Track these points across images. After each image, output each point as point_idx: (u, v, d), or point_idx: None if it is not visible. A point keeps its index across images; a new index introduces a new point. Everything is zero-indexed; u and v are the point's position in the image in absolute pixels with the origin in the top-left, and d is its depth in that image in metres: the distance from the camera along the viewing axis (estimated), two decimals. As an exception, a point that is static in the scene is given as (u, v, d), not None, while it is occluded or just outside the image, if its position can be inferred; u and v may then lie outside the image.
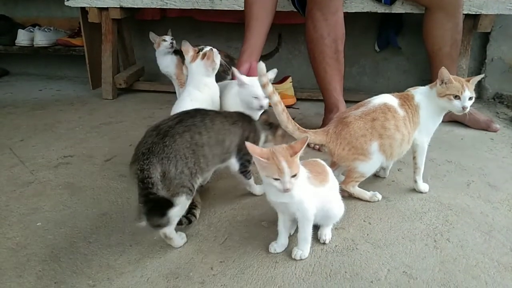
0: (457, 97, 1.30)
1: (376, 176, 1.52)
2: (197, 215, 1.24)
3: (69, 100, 2.46)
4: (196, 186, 1.12)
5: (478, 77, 1.35)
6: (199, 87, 1.43)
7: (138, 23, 2.71)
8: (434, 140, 1.82)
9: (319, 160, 1.15)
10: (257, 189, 1.38)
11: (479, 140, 1.85)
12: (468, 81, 1.33)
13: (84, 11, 2.41)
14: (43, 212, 1.31)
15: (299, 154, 0.99)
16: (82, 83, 2.77)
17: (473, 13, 2.03)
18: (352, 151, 1.27)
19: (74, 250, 1.13)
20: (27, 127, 2.03)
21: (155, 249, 1.13)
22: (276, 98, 1.19)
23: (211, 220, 1.26)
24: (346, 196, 1.35)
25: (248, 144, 0.96)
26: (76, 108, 2.31)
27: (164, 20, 2.68)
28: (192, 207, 1.25)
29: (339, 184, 1.32)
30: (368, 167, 1.31)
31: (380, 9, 2.06)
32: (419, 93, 1.37)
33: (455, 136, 1.90)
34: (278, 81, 2.36)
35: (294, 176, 0.97)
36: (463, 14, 2.03)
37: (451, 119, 2.03)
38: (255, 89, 1.40)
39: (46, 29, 2.70)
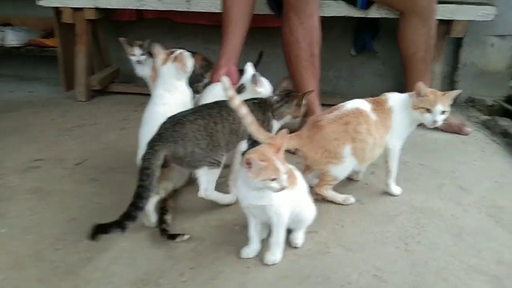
0: (429, 110, 1.31)
1: (349, 179, 1.52)
2: (169, 221, 1.21)
3: (41, 102, 2.39)
4: (221, 159, 1.26)
5: (455, 92, 1.36)
6: (170, 90, 1.41)
7: (114, 24, 2.67)
8: (407, 143, 1.83)
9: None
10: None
11: (451, 143, 1.89)
12: (444, 95, 1.34)
13: (58, 11, 2.36)
14: (9, 218, 1.27)
15: (283, 149, 0.99)
16: (56, 85, 2.69)
17: (446, 18, 2.06)
18: (325, 155, 1.28)
19: (40, 258, 1.10)
20: (-4, 129, 1.97)
21: (124, 255, 1.11)
22: (244, 110, 1.19)
23: (183, 225, 1.24)
24: (320, 199, 1.36)
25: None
26: (49, 110, 2.25)
27: (141, 21, 2.64)
28: (163, 212, 1.23)
29: (313, 187, 1.33)
30: (341, 171, 1.31)
31: (356, 13, 2.08)
32: (394, 98, 1.38)
33: (428, 139, 1.93)
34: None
35: (285, 173, 0.97)
36: (437, 19, 2.07)
37: (425, 123, 2.06)
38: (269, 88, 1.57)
39: (18, 29, 2.63)
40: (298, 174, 1.13)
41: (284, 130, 1.04)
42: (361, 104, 1.33)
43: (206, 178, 1.24)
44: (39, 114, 2.20)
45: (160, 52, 1.47)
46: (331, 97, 2.45)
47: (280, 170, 0.95)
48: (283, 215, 1.04)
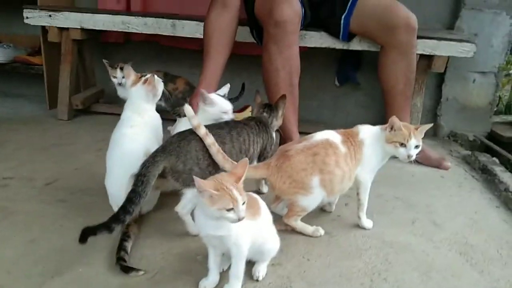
0: (403, 144, 1.31)
1: (322, 210, 1.50)
2: (128, 249, 1.17)
3: (23, 119, 2.37)
4: None
5: (427, 126, 1.37)
6: (139, 112, 1.40)
7: (101, 45, 2.68)
8: (384, 175, 1.83)
9: (251, 193, 1.11)
10: (265, 188, 1.56)
11: (429, 178, 1.87)
12: (417, 129, 1.35)
13: (44, 30, 2.37)
14: (-34, 238, 1.23)
15: (243, 179, 0.97)
16: (40, 103, 2.68)
17: (427, 53, 2.09)
18: (293, 185, 1.26)
19: (-11, 281, 1.06)
20: (-29, 145, 1.94)
21: (78, 282, 1.07)
22: (210, 140, 1.20)
23: (144, 251, 1.21)
24: (289, 230, 1.33)
25: (196, 180, 0.93)
26: (29, 128, 2.23)
27: (128, 43, 2.66)
28: (124, 238, 1.19)
29: (282, 218, 1.31)
30: (309, 202, 1.29)
31: (339, 45, 2.10)
32: (366, 131, 1.38)
33: (406, 172, 1.92)
34: (238, 109, 2.35)
35: (243, 203, 0.94)
36: (418, 54, 2.10)
37: (405, 156, 2.05)
38: (224, 105, 1.50)
39: (5, 46, 2.63)
40: (262, 204, 1.11)
41: (245, 159, 1.02)
42: (331, 135, 1.33)
43: (191, 198, 1.22)
44: (18, 131, 2.17)
45: (131, 73, 1.47)
46: (314, 125, 2.46)
47: (237, 200, 0.92)
48: (242, 246, 1.01)
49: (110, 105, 2.56)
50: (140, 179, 1.16)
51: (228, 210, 0.92)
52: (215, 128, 1.32)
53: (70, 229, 1.30)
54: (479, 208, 1.61)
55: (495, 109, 2.63)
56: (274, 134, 1.53)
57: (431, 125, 1.39)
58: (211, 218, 0.96)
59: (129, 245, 1.18)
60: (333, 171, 1.26)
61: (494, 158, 2.05)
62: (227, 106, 1.52)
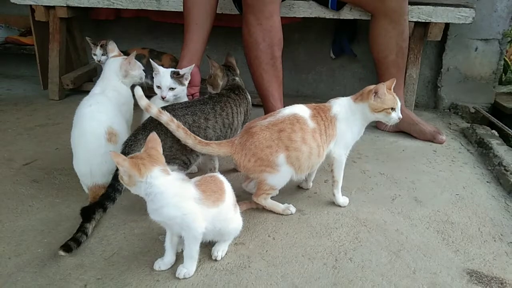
0: (393, 109, 1.27)
1: (298, 187, 1.45)
2: (89, 231, 1.15)
3: (14, 100, 2.38)
4: (193, 161, 1.29)
5: (392, 81, 1.33)
6: (106, 86, 1.38)
7: (92, 23, 2.65)
8: (372, 150, 1.78)
9: (218, 175, 1.08)
10: None
11: (420, 152, 1.79)
12: (390, 89, 1.28)
13: (33, 9, 2.34)
14: None
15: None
16: (36, 83, 2.68)
17: (423, 20, 1.97)
18: (258, 163, 1.21)
19: None
20: (-40, 126, 1.96)
21: (34, 262, 1.06)
22: (166, 117, 1.16)
23: (106, 232, 1.19)
24: (260, 208, 1.29)
25: (113, 154, 0.90)
26: (18, 109, 2.23)
27: (119, 20, 2.61)
28: (86, 221, 1.17)
29: (252, 197, 1.27)
30: (277, 179, 1.24)
31: (328, 14, 2.00)
32: (338, 104, 1.31)
33: (397, 147, 1.84)
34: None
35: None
36: (413, 21, 1.99)
37: (398, 130, 1.97)
38: (161, 79, 1.44)
39: (-3, 26, 2.63)
40: (227, 187, 1.06)
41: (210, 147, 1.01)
42: (300, 110, 1.26)
43: None
44: (7, 112, 2.17)
45: (114, 49, 1.45)
46: (311, 100, 2.38)
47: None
48: (192, 230, 0.97)
49: (102, 84, 2.53)
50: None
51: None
52: (199, 104, 1.32)
53: (38, 210, 1.30)
54: (468, 184, 1.53)
55: (503, 79, 2.50)
56: (248, 95, 1.52)
57: (394, 79, 1.34)
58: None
59: (90, 226, 1.16)
60: (299, 147, 1.20)
61: (494, 131, 1.95)
62: (163, 81, 1.44)
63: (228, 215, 1.06)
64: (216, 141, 1.24)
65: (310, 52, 2.48)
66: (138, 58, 2.15)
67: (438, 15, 1.95)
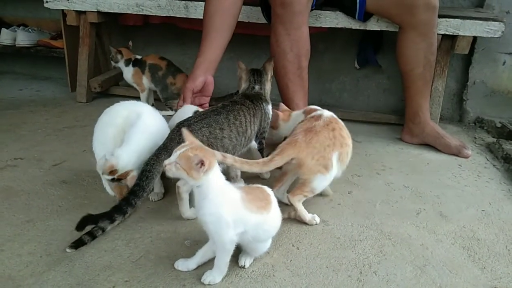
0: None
1: (321, 195, 1.45)
2: (106, 228, 1.19)
3: (43, 101, 2.44)
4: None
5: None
6: None
7: (120, 28, 2.71)
8: (397, 163, 1.78)
9: (265, 187, 1.08)
10: (266, 174, 1.57)
11: (445, 166, 1.77)
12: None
13: (64, 13, 2.41)
14: (-32, 216, 1.29)
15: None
16: (64, 85, 2.76)
17: (450, 33, 1.95)
18: (320, 162, 1.24)
19: (-18, 258, 1.10)
20: (-8, 126, 2.02)
21: (64, 262, 1.09)
22: (230, 160, 1.15)
23: (133, 235, 1.21)
24: (285, 217, 1.30)
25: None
26: (47, 110, 2.30)
27: (147, 26, 2.66)
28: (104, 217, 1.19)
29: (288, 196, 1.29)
30: (322, 182, 1.28)
31: (355, 25, 2.01)
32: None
33: (422, 160, 1.82)
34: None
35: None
36: (441, 34, 1.97)
37: (423, 142, 1.96)
38: (183, 114, 1.42)
39: (30, 30, 2.71)
40: (274, 202, 1.06)
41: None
42: (328, 112, 1.37)
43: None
44: (37, 113, 2.24)
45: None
46: (334, 110, 2.37)
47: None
48: (223, 236, 0.97)
49: (128, 88, 2.58)
50: (144, 174, 1.20)
51: None
52: (213, 114, 1.31)
53: (67, 210, 1.33)
54: (495, 200, 1.51)
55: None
56: (269, 108, 1.49)
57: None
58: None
59: (108, 225, 1.19)
60: (348, 143, 1.31)
61: (521, 147, 1.91)
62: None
63: (269, 227, 1.05)
64: (277, 152, 1.24)
65: (335, 62, 2.48)
66: (155, 69, 2.22)
67: (466, 28, 1.93)
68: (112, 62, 2.29)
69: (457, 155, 1.87)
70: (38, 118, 2.16)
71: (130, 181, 1.24)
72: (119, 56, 2.26)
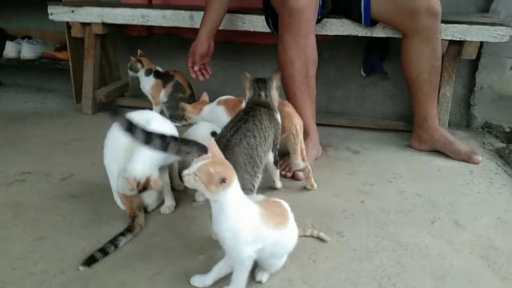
0: None
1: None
2: (120, 244, 1.18)
3: (49, 114, 2.44)
4: (256, 185, 1.23)
5: None
6: None
7: (125, 39, 2.70)
8: (407, 170, 1.76)
9: (282, 201, 1.06)
10: (279, 183, 1.55)
11: (456, 173, 1.76)
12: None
13: (69, 25, 2.41)
14: (-22, 233, 1.27)
15: None
16: (69, 97, 2.74)
17: (457, 39, 1.95)
18: None
19: (-5, 277, 1.08)
20: (-3, 140, 2.01)
21: (77, 280, 1.07)
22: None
23: (146, 250, 1.19)
24: (308, 234, 1.27)
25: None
26: (53, 122, 2.29)
27: (151, 36, 2.66)
28: (123, 233, 1.19)
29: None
30: None
31: (361, 32, 2.00)
32: None
33: (432, 167, 1.81)
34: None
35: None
36: (447, 40, 1.97)
37: (433, 149, 1.95)
38: (198, 134, 1.46)
39: (34, 42, 2.71)
40: (291, 218, 1.04)
41: None
42: None
43: None
44: (42, 125, 2.23)
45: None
46: (340, 117, 2.37)
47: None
48: (241, 253, 0.95)
49: (133, 99, 2.58)
50: None
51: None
52: (242, 123, 1.25)
53: (78, 226, 1.32)
54: (509, 207, 1.49)
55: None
56: (278, 117, 1.42)
57: None
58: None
59: (123, 239, 1.19)
60: None
61: (532, 152, 1.90)
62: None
63: (287, 243, 1.04)
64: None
65: (340, 69, 2.47)
66: (179, 89, 2.24)
67: (473, 34, 1.93)
68: (130, 72, 2.26)
69: (467, 161, 1.86)
70: (44, 130, 2.15)
71: (155, 184, 1.22)
72: (139, 66, 2.23)
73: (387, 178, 1.68)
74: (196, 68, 1.92)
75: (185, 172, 0.96)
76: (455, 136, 2.00)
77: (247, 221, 0.95)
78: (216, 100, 1.82)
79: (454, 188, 1.62)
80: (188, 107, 1.80)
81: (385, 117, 2.42)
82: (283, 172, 1.65)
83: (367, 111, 2.50)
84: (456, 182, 1.67)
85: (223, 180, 0.91)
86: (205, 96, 1.91)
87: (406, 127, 2.20)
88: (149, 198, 1.35)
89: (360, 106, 2.51)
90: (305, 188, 1.57)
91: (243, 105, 1.44)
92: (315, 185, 1.56)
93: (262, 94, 1.39)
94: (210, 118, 1.75)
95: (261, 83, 1.41)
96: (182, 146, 1.01)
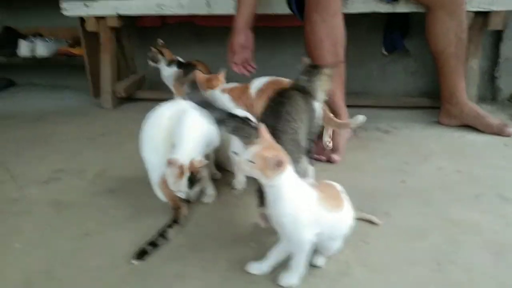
0: None
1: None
2: (170, 236, 1.18)
3: (69, 110, 2.42)
4: (302, 171, 1.19)
5: None
6: None
7: (139, 31, 2.67)
8: (441, 146, 1.74)
9: (336, 184, 1.04)
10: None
11: (491, 146, 1.73)
12: None
13: (82, 20, 2.37)
14: (25, 233, 1.26)
15: None
16: (86, 93, 2.72)
17: (483, 10, 1.90)
18: None
19: (49, 275, 1.07)
20: (24, 139, 2.00)
21: (133, 273, 1.06)
22: None
23: (196, 241, 1.19)
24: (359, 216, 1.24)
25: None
26: (75, 119, 2.27)
27: (165, 26, 2.62)
28: (170, 225, 1.18)
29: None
30: None
31: (384, 8, 1.95)
32: None
33: (466, 142, 1.78)
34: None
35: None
36: (473, 11, 1.92)
37: (463, 124, 1.92)
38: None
39: (47, 40, 2.68)
40: (346, 200, 1.02)
41: None
42: None
43: None
44: (66, 123, 2.21)
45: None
46: (363, 97, 2.34)
47: None
48: (300, 237, 0.94)
49: (153, 91, 2.56)
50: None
51: None
52: (281, 107, 1.20)
53: (122, 220, 1.31)
54: (551, 177, 1.47)
55: None
56: (317, 105, 1.35)
57: None
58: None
59: (171, 231, 1.18)
60: None
61: None
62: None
63: (344, 225, 1.02)
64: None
65: (360, 48, 2.43)
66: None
67: (499, 3, 1.88)
68: (151, 62, 2.22)
69: (499, 134, 1.83)
70: (68, 127, 2.14)
71: (200, 163, 1.22)
72: (159, 56, 2.20)
73: (423, 156, 1.66)
74: (238, 61, 1.83)
75: (238, 159, 0.94)
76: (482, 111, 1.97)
77: (306, 205, 0.94)
78: (220, 87, 1.79)
79: (492, 162, 1.60)
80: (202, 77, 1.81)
81: (408, 94, 2.39)
82: (317, 156, 1.62)
83: (389, 89, 2.47)
84: (492, 155, 1.65)
85: (279, 164, 0.89)
86: (221, 75, 1.83)
87: (432, 103, 2.16)
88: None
89: (382, 85, 2.48)
90: (344, 172, 1.55)
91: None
92: None
93: (302, 78, 1.35)
94: (213, 101, 1.71)
95: (310, 68, 1.37)
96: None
